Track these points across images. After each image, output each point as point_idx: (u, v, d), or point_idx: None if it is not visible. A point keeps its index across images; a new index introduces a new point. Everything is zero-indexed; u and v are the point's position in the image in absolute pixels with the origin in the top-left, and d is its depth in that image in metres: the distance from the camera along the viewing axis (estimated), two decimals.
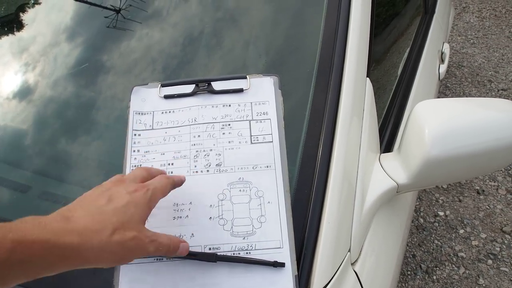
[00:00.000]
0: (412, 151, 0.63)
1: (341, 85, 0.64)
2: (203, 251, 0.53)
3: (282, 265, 0.51)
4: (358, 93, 0.66)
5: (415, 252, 1.72)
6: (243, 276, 0.52)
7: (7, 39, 0.92)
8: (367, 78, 0.70)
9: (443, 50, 1.33)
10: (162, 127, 0.61)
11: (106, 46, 0.82)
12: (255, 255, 0.52)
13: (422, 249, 1.73)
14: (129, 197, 0.41)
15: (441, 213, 1.88)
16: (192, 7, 0.83)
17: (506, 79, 2.68)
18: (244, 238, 0.53)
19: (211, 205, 0.55)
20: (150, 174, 0.50)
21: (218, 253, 0.52)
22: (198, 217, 0.55)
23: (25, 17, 0.95)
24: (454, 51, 2.97)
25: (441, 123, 0.60)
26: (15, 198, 0.67)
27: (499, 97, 2.52)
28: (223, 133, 0.60)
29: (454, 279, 1.61)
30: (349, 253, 0.58)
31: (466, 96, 2.54)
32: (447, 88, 2.64)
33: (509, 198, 1.91)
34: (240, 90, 0.62)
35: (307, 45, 0.72)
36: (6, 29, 0.95)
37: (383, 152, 0.74)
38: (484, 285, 1.58)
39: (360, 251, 0.62)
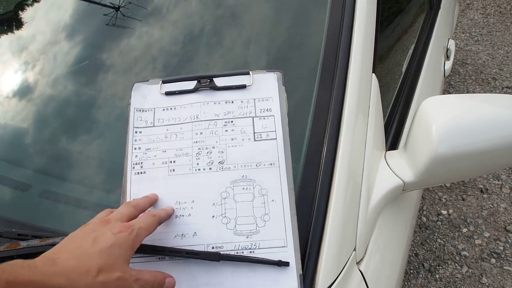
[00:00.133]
0: (419, 148, 0.61)
1: (346, 81, 0.63)
2: (205, 250, 0.52)
3: (286, 264, 0.50)
4: (364, 89, 0.65)
5: (418, 251, 1.71)
6: (247, 275, 0.51)
7: (6, 38, 0.91)
8: (373, 74, 0.69)
9: (448, 47, 1.31)
10: (163, 124, 0.60)
11: (105, 44, 0.81)
12: (258, 254, 0.51)
13: (425, 247, 1.72)
14: (114, 238, 0.42)
15: (444, 212, 1.86)
16: (193, 4, 0.82)
17: (511, 76, 2.66)
18: (247, 237, 0.52)
19: (213, 204, 0.55)
20: (138, 210, 0.50)
21: (221, 252, 0.51)
22: (200, 215, 0.54)
23: (24, 15, 0.94)
24: (458, 48, 2.95)
25: (448, 119, 0.59)
26: (15, 196, 0.67)
27: None
28: (226, 130, 0.59)
29: (457, 278, 1.60)
30: (354, 252, 0.57)
31: None
32: (450, 86, 2.63)
33: None
34: (243, 87, 0.61)
35: (311, 40, 0.71)
36: (5, 27, 0.94)
37: (388, 150, 0.73)
38: (487, 284, 1.57)
39: (366, 250, 0.61)
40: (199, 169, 0.57)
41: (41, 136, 0.72)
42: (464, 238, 1.75)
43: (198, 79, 0.62)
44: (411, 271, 1.64)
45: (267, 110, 0.59)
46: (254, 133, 0.58)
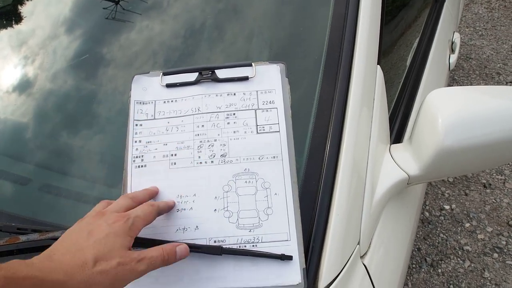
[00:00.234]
0: (424, 141, 0.60)
1: (351, 73, 0.62)
2: (208, 244, 0.52)
3: (289, 258, 0.50)
4: (368, 81, 0.64)
5: (420, 246, 1.70)
6: (249, 269, 0.50)
7: (5, 31, 0.90)
8: (378, 66, 0.68)
9: (453, 40, 1.30)
10: (164, 116, 0.59)
11: (105, 38, 0.80)
12: (261, 248, 0.51)
13: (427, 242, 1.72)
14: (108, 228, 0.42)
15: (447, 207, 1.86)
16: None
17: None
18: (250, 231, 0.52)
19: (216, 197, 0.54)
20: (136, 202, 0.49)
21: (224, 246, 0.51)
22: (202, 209, 0.53)
23: (23, 8, 0.93)
24: (462, 43, 2.92)
25: (455, 111, 0.58)
26: (15, 190, 0.66)
27: None
28: (228, 123, 0.58)
29: (459, 272, 1.60)
30: (358, 246, 0.57)
31: None
32: (454, 80, 2.61)
33: None
34: (245, 78, 0.60)
35: (315, 31, 0.70)
36: (3, 21, 0.93)
37: (393, 143, 0.72)
38: (489, 278, 1.57)
39: (370, 244, 0.60)
40: (200, 162, 0.56)
41: (41, 130, 0.72)
42: (467, 233, 1.74)
43: (200, 71, 0.61)
44: (414, 265, 1.64)
45: (270, 102, 0.58)
46: (257, 125, 0.57)
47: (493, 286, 1.54)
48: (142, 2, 0.82)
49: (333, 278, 0.52)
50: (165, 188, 0.55)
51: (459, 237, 1.73)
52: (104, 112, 0.71)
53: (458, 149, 0.58)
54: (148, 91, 0.62)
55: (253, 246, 0.51)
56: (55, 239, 0.53)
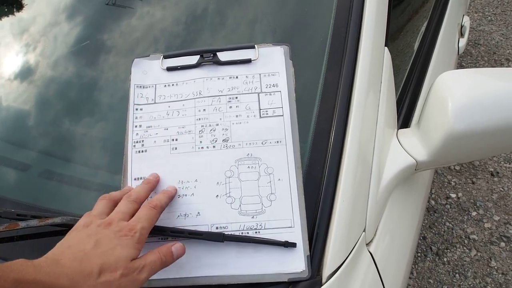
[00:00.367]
0: (433, 126, 0.59)
1: (357, 55, 0.60)
2: (209, 230, 0.51)
3: (293, 245, 0.49)
4: (376, 64, 0.62)
5: (426, 234, 1.69)
6: (252, 256, 0.49)
7: (6, 19, 0.88)
8: (385, 48, 0.65)
9: (463, 24, 1.26)
10: (165, 100, 0.58)
11: (106, 24, 0.79)
12: (264, 234, 0.50)
13: (433, 231, 1.71)
14: (116, 241, 0.42)
15: (453, 195, 1.84)
16: None
17: None
18: (253, 217, 0.51)
19: (217, 183, 0.53)
20: (139, 203, 0.48)
21: (226, 233, 0.50)
22: (204, 195, 0.53)
23: None
24: (471, 28, 2.85)
25: (466, 94, 0.56)
26: (14, 176, 0.65)
27: None
28: (230, 107, 0.56)
29: (465, 261, 1.59)
30: (364, 233, 0.55)
31: None
32: (462, 67, 2.56)
33: None
34: (248, 61, 0.59)
35: (320, 12, 0.68)
36: (5, 9, 0.92)
37: (400, 128, 0.70)
38: (496, 267, 1.56)
39: (376, 231, 0.59)
40: (202, 147, 0.55)
41: (41, 116, 0.71)
42: (473, 222, 1.73)
43: (201, 53, 0.60)
44: (419, 254, 1.63)
45: (274, 85, 0.57)
46: (260, 109, 0.56)
47: (500, 275, 1.53)
48: None
49: (338, 265, 0.51)
50: (166, 173, 0.54)
51: (465, 226, 1.71)
52: (105, 98, 0.70)
53: (469, 134, 0.56)
54: (149, 74, 0.60)
55: (255, 232, 0.50)
56: (54, 225, 0.53)
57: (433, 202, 1.82)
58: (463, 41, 1.23)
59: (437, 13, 1.12)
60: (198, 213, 0.52)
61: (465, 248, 1.63)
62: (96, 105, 0.70)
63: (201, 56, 0.60)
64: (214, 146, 0.55)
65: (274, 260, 0.49)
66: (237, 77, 0.58)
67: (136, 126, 0.57)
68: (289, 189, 0.51)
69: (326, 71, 0.60)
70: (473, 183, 1.88)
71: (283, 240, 0.49)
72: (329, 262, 0.50)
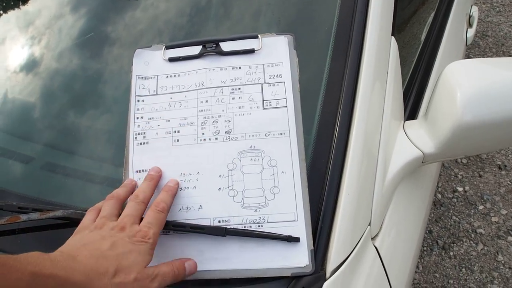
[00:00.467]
0: (441, 117, 0.57)
1: (363, 44, 0.59)
2: (212, 223, 0.50)
3: (296, 239, 0.48)
4: (382, 53, 0.61)
5: (432, 228, 1.68)
6: (255, 250, 0.49)
7: (11, 12, 0.88)
8: (392, 37, 0.64)
9: (471, 14, 1.24)
10: (167, 92, 0.58)
11: (109, 16, 0.78)
12: (267, 228, 0.49)
13: (439, 225, 1.69)
14: (132, 246, 0.43)
15: (460, 189, 1.82)
16: None
17: None
18: (255, 211, 0.50)
19: (220, 175, 0.52)
20: (146, 203, 0.49)
21: (228, 227, 0.49)
22: (206, 188, 0.52)
23: None
24: (478, 20, 2.81)
25: (474, 85, 0.54)
26: (17, 169, 0.65)
27: None
28: (233, 98, 0.55)
29: (471, 255, 1.58)
30: (369, 227, 0.54)
31: None
32: (469, 59, 2.52)
33: None
34: (251, 51, 0.57)
35: (325, 0, 0.66)
36: (11, 2, 0.91)
37: (407, 120, 0.68)
38: (503, 261, 1.54)
39: (381, 225, 0.58)
40: (204, 139, 0.54)
41: (43, 108, 0.70)
42: (480, 216, 1.71)
43: (203, 43, 0.59)
44: (425, 248, 1.62)
45: (277, 76, 0.56)
46: (263, 100, 0.55)
47: (507, 269, 1.52)
48: None
49: (342, 260, 0.50)
50: (167, 166, 0.53)
51: (472, 220, 1.70)
52: (108, 90, 0.70)
53: (478, 125, 0.54)
54: (150, 65, 0.60)
55: (258, 226, 0.49)
56: (56, 218, 0.52)
57: (439, 196, 1.80)
58: (471, 32, 1.21)
59: (445, 3, 1.10)
60: (200, 206, 0.51)
61: (471, 242, 1.62)
62: (99, 97, 0.69)
63: (204, 46, 0.59)
64: (216, 138, 0.54)
65: (277, 254, 0.48)
66: (240, 68, 0.57)
67: (137, 118, 0.57)
68: (293, 182, 0.50)
69: (331, 61, 0.59)
70: (480, 176, 1.86)
71: (287, 235, 0.48)
72: (333, 257, 0.49)
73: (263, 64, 0.57)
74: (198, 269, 0.48)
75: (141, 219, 0.47)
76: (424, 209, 0.75)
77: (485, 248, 1.59)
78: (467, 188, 1.82)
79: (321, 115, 0.56)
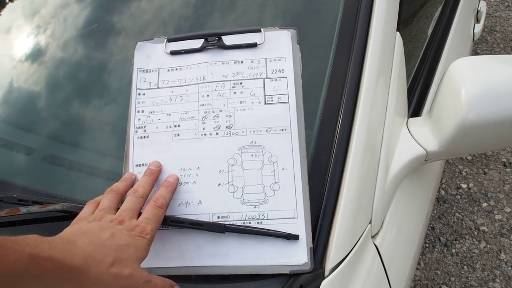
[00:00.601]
0: (445, 114, 0.56)
1: (367, 40, 0.58)
2: (211, 219, 0.50)
3: (296, 237, 0.48)
4: (386, 49, 0.60)
5: (435, 225, 1.67)
6: (254, 247, 0.49)
7: (16, 1, 0.88)
8: (397, 33, 0.63)
9: (479, 9, 1.22)
10: (168, 85, 0.57)
11: (114, 6, 0.77)
12: (267, 225, 0.49)
13: (442, 221, 1.68)
14: (130, 239, 0.43)
15: (464, 186, 1.81)
16: None
17: None
18: (255, 207, 0.50)
19: (220, 171, 0.52)
20: (145, 198, 0.49)
21: (227, 223, 0.49)
22: (206, 183, 0.52)
23: None
24: (487, 14, 2.77)
25: (479, 83, 0.53)
26: (18, 161, 0.65)
27: None
28: (234, 93, 0.55)
29: (474, 253, 1.57)
30: (369, 225, 0.54)
31: None
32: (477, 55, 2.49)
33: None
34: (253, 45, 0.57)
35: None
36: None
37: (411, 117, 0.67)
38: (505, 260, 1.53)
39: (382, 224, 0.57)
40: (205, 134, 0.53)
41: (44, 100, 0.70)
42: (484, 213, 1.70)
43: (205, 37, 0.58)
44: (427, 245, 1.61)
45: (280, 71, 0.55)
46: (265, 95, 0.54)
47: (509, 268, 1.51)
48: None
49: (342, 258, 0.49)
50: (167, 160, 0.53)
51: (475, 217, 1.69)
52: (110, 82, 0.69)
53: (483, 124, 0.53)
54: (152, 58, 0.59)
55: (258, 222, 0.49)
56: (55, 211, 0.52)
57: (443, 192, 1.79)
58: (478, 27, 1.19)
59: None
60: (200, 201, 0.51)
61: (474, 239, 1.61)
62: (101, 89, 0.69)
63: (206, 39, 0.58)
64: (217, 133, 0.53)
65: (276, 251, 0.48)
66: (242, 62, 0.56)
67: (138, 111, 0.56)
68: (293, 179, 0.50)
69: (334, 56, 0.58)
70: (484, 173, 1.85)
71: (286, 232, 0.48)
72: (333, 255, 0.48)
73: (266, 59, 0.56)
74: (196, 265, 0.48)
75: (140, 214, 0.47)
76: (426, 208, 0.74)
77: (488, 246, 1.58)
78: (471, 185, 1.81)
79: (323, 111, 0.55)
